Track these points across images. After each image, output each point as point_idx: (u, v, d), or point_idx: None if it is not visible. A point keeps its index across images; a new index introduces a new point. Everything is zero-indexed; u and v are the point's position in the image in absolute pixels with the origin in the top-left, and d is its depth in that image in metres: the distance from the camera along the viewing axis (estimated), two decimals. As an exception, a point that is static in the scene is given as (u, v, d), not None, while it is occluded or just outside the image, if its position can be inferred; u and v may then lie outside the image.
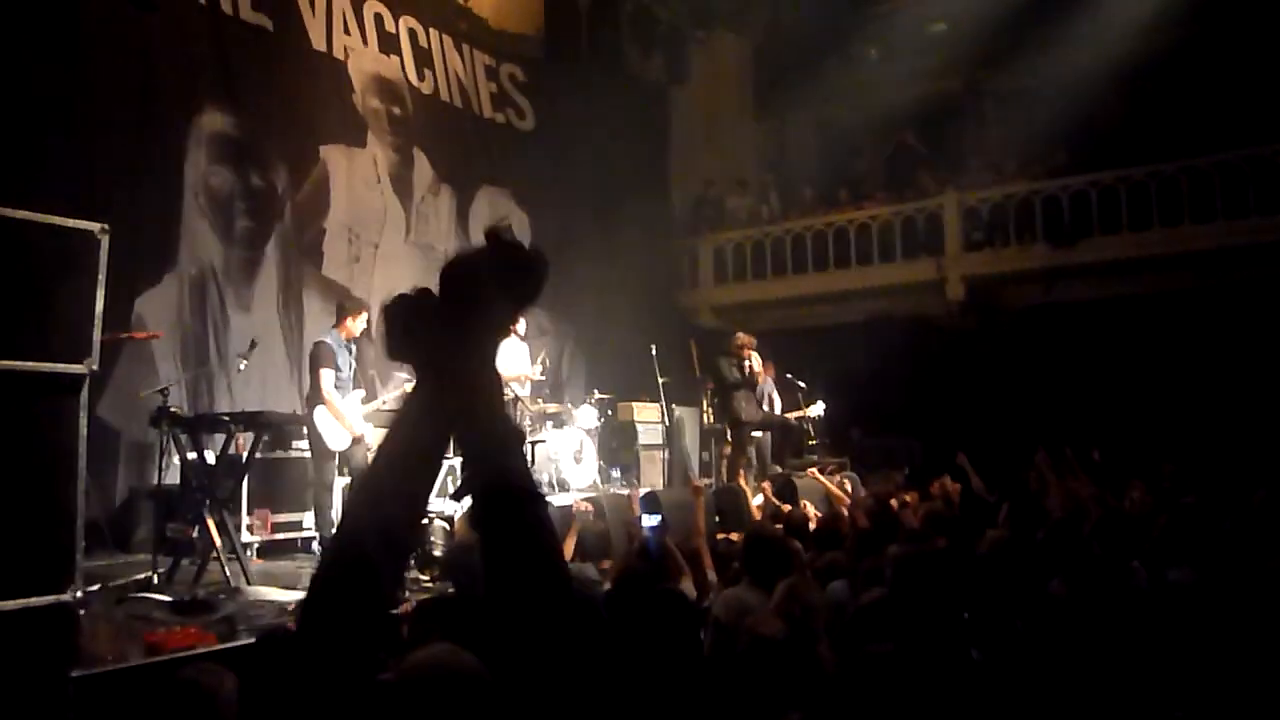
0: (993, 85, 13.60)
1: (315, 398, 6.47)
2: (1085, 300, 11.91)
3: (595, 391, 10.37)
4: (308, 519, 7.01)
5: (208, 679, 2.29)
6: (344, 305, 6.96)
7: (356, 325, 6.76)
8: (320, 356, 6.52)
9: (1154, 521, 4.23)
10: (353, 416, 6.56)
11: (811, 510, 7.00)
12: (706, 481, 9.81)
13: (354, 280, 9.49)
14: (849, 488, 8.27)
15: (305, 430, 6.59)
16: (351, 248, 9.57)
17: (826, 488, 8.05)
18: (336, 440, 6.50)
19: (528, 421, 8.61)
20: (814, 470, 8.61)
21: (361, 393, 6.81)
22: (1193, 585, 3.05)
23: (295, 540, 7.08)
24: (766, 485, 7.99)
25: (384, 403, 7.26)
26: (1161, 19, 11.51)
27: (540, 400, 9.53)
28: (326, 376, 6.46)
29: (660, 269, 13.45)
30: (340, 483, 6.80)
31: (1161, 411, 10.73)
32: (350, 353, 6.72)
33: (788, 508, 7.35)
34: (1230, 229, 10.83)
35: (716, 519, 7.55)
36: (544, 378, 9.72)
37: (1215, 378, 10.78)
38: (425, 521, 5.96)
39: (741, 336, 9.10)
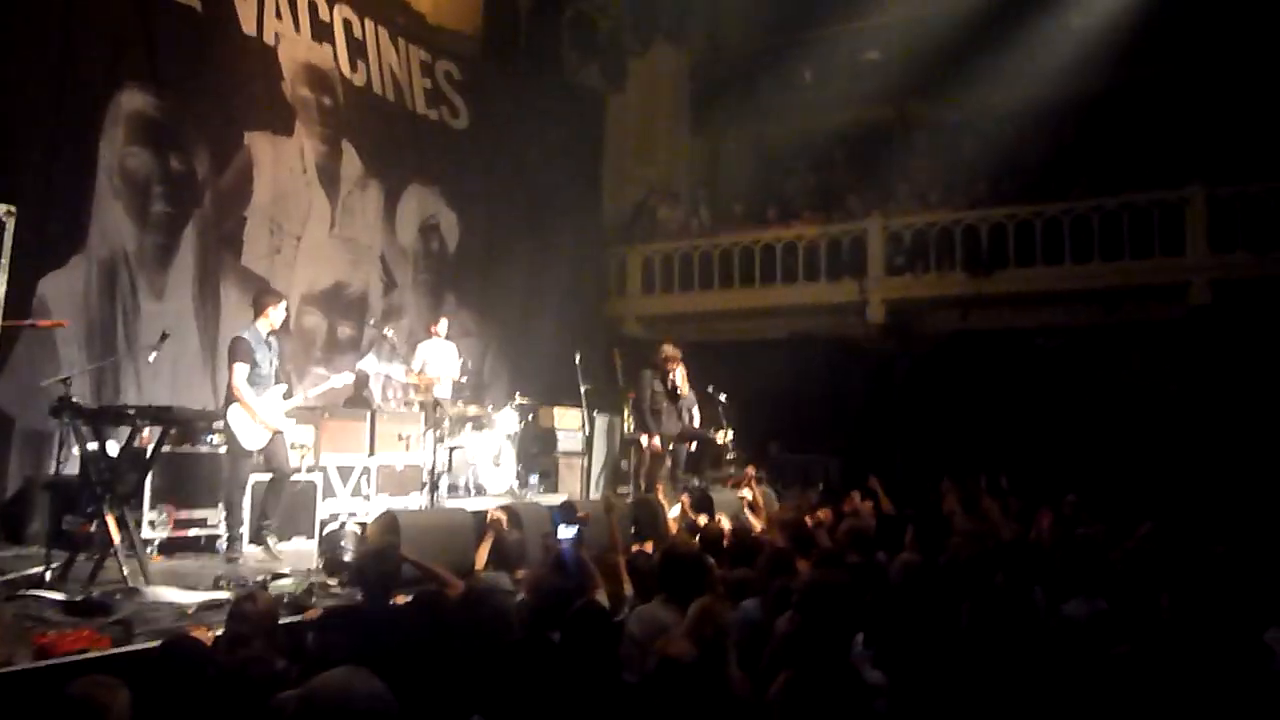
0: (922, 115, 13.96)
1: (230, 395, 6.37)
2: (1000, 329, 12.29)
3: (517, 395, 10.31)
4: (214, 516, 6.82)
5: (100, 693, 2.20)
6: (261, 296, 6.83)
7: (276, 316, 6.66)
8: (235, 352, 6.43)
9: (1057, 551, 4.36)
10: (268, 412, 6.44)
11: (727, 524, 7.07)
12: (624, 490, 9.84)
13: (274, 272, 9.26)
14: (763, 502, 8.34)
15: (221, 427, 6.46)
16: (273, 239, 9.32)
17: (755, 499, 8.12)
18: (251, 439, 6.39)
19: (447, 423, 8.51)
20: (750, 471, 8.66)
21: (283, 387, 6.69)
22: (1086, 618, 3.15)
23: (200, 538, 6.84)
24: (685, 498, 8.02)
25: (306, 398, 7.13)
26: (1085, 65, 11.95)
27: (460, 402, 9.45)
28: (239, 371, 6.36)
29: (588, 276, 13.43)
30: (256, 479, 6.66)
31: (1069, 440, 11.11)
32: (270, 348, 6.61)
33: (704, 520, 7.43)
34: (1135, 268, 11.29)
35: (633, 530, 7.55)
36: (465, 379, 9.64)
37: (1120, 409, 11.22)
38: (337, 525, 5.87)
39: (668, 349, 9.13)
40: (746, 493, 8.05)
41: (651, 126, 14.94)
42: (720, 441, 9.64)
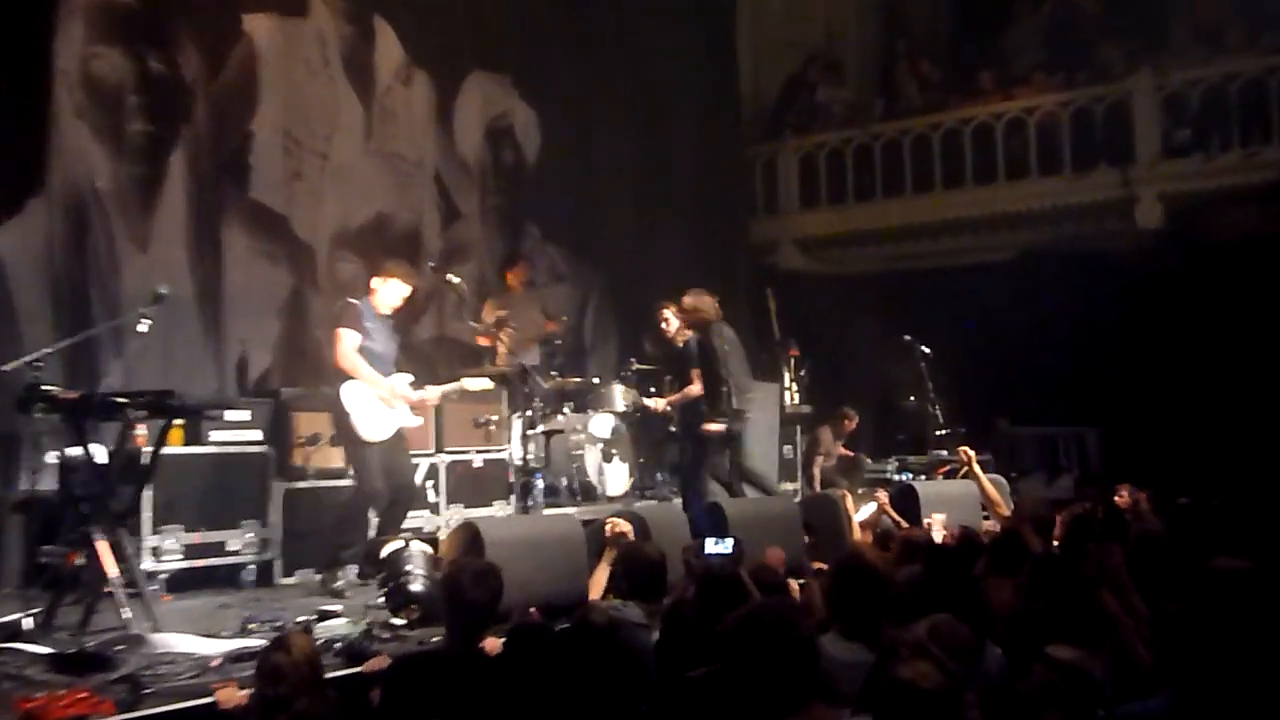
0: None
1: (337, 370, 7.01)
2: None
3: (633, 361, 10.36)
4: (236, 539, 7.18)
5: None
6: (371, 276, 7.42)
7: (386, 296, 7.22)
8: (341, 317, 7.09)
9: None
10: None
11: (940, 527, 7.00)
12: (792, 487, 9.80)
13: (295, 204, 9.51)
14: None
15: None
16: (290, 159, 9.55)
17: (985, 493, 8.00)
18: (373, 426, 6.94)
19: (538, 402, 8.63)
20: (967, 453, 8.52)
21: (407, 376, 7.22)
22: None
23: (219, 569, 7.18)
24: (883, 496, 7.95)
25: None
26: None
27: (555, 374, 9.53)
28: (347, 339, 6.98)
29: (723, 189, 13.38)
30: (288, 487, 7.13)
31: None
32: (385, 328, 7.22)
33: (906, 526, 7.36)
34: None
35: (805, 540, 7.56)
36: (560, 342, 9.73)
37: None
38: (400, 545, 6.02)
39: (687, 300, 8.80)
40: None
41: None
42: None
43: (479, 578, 4.15)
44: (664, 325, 8.72)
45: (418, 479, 8.11)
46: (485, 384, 7.69)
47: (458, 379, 7.64)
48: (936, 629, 3.27)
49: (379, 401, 6.94)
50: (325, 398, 7.22)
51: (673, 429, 9.32)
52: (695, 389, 8.49)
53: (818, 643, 3.31)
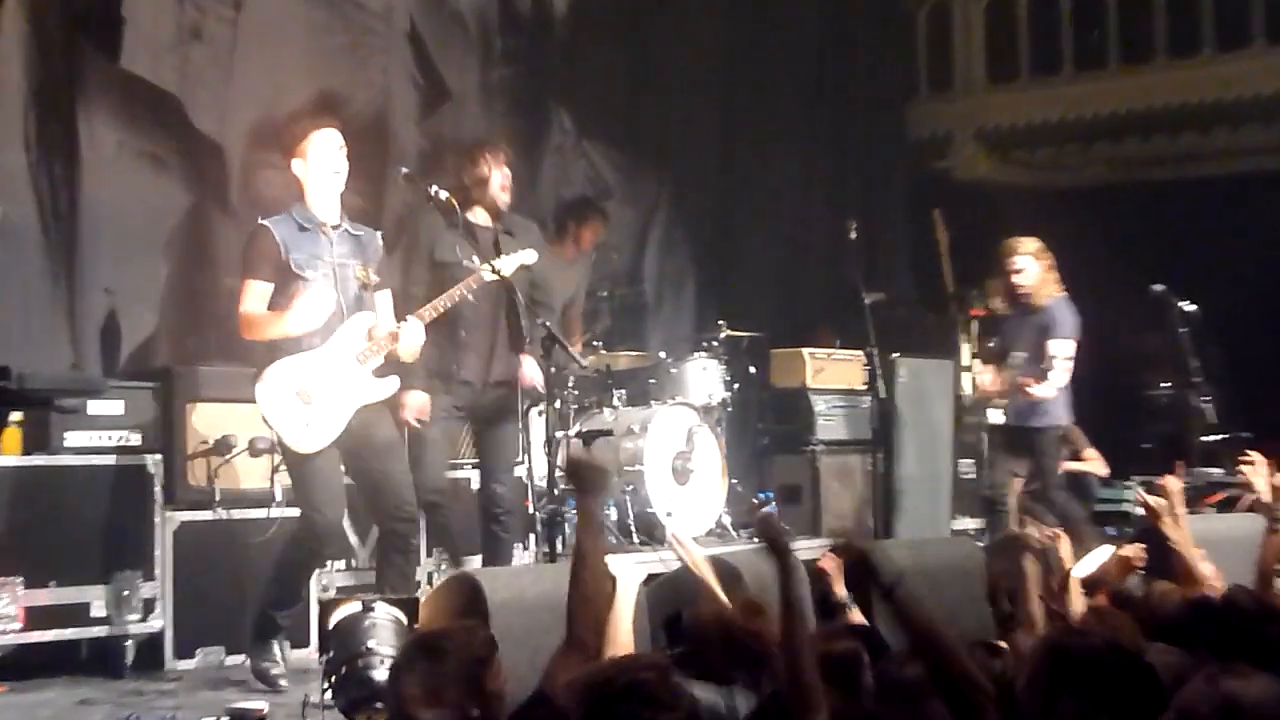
0: None
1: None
2: None
3: (722, 325, 10.34)
4: (101, 601, 7.22)
5: None
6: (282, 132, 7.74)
7: (313, 167, 7.42)
8: (245, 255, 7.33)
9: None
10: (332, 368, 7.13)
11: (1214, 577, 6.99)
12: (975, 525, 9.66)
13: (193, 79, 9.46)
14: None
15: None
16: (185, 8, 9.47)
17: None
18: (303, 432, 7.05)
19: (573, 387, 8.91)
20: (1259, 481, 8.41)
21: (367, 318, 7.35)
22: None
23: (78, 645, 7.24)
24: (1135, 550, 7.82)
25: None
26: None
27: (598, 344, 9.83)
28: (253, 293, 7.14)
29: (865, 55, 13.50)
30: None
31: None
32: (329, 241, 7.37)
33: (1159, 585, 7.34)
34: None
35: (992, 605, 7.56)
36: (605, 295, 10.03)
37: None
38: (356, 609, 5.96)
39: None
40: None
41: None
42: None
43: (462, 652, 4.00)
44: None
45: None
46: (530, 255, 7.82)
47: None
48: None
49: (315, 376, 6.94)
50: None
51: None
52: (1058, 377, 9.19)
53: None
